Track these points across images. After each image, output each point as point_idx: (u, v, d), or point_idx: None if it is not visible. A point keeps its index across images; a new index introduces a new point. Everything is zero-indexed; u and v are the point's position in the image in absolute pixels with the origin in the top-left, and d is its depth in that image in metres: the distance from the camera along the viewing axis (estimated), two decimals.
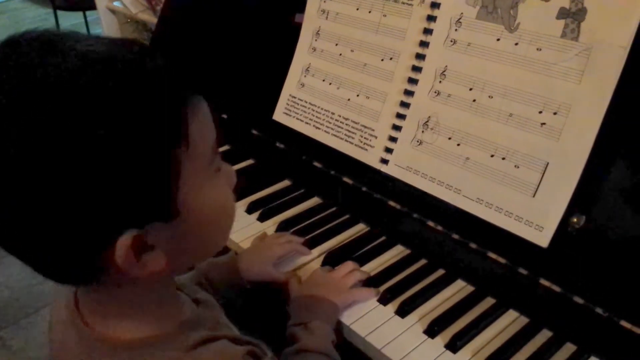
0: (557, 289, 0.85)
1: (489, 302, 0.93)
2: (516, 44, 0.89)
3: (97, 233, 0.48)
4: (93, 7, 2.81)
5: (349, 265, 0.97)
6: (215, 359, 0.59)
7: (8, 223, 0.47)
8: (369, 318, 0.90)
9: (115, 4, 2.65)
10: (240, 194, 1.16)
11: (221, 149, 1.31)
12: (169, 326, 0.59)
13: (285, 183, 1.24)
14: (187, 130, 0.51)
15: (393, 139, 1.03)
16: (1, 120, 0.44)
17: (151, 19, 2.45)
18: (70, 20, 4.30)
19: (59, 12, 3.82)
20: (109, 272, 0.52)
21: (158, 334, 0.58)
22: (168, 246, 0.53)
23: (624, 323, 0.80)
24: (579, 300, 0.83)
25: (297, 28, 1.21)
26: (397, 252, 1.04)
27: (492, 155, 0.90)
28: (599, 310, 0.82)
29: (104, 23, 2.77)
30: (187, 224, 0.53)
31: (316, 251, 1.04)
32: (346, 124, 1.11)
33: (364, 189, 1.09)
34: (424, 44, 1.00)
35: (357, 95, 1.10)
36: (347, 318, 0.89)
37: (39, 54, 0.46)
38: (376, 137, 1.06)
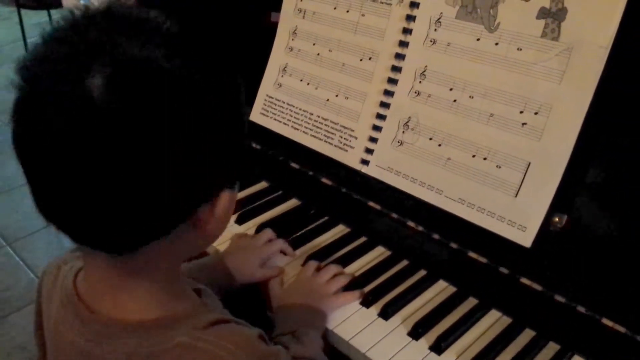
0: (539, 288, 0.86)
1: (471, 302, 0.93)
2: (496, 43, 0.88)
3: (214, 186, 0.56)
4: (59, 5, 2.74)
5: (332, 269, 0.95)
6: (233, 336, 0.59)
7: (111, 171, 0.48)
8: (352, 321, 0.89)
9: (82, 2, 2.59)
10: None
11: None
12: (180, 308, 0.60)
13: (263, 185, 1.22)
14: None
15: (373, 140, 1.02)
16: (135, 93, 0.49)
17: None
18: (35, 19, 4.20)
19: (23, 11, 3.73)
20: (181, 230, 0.55)
21: (169, 315, 0.58)
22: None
23: (605, 321, 0.80)
24: (561, 299, 0.84)
25: (273, 27, 1.19)
26: (378, 253, 1.03)
27: (473, 156, 0.90)
28: (581, 309, 0.82)
29: None
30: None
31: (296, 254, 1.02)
32: (325, 125, 1.09)
33: (343, 190, 1.08)
34: (403, 44, 0.99)
35: (336, 96, 1.08)
36: (330, 322, 0.88)
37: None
38: (356, 138, 1.05)
